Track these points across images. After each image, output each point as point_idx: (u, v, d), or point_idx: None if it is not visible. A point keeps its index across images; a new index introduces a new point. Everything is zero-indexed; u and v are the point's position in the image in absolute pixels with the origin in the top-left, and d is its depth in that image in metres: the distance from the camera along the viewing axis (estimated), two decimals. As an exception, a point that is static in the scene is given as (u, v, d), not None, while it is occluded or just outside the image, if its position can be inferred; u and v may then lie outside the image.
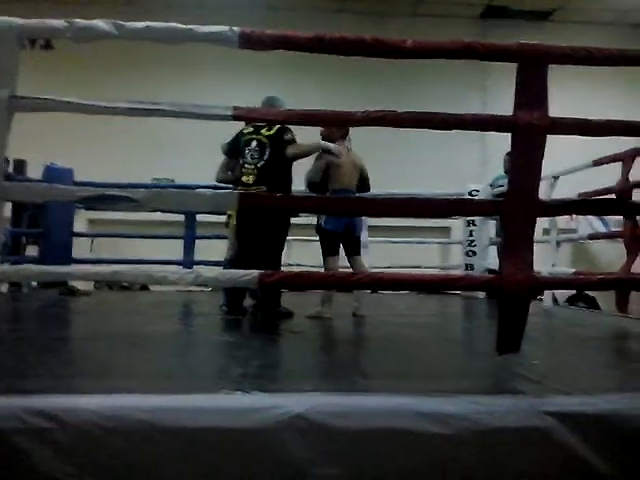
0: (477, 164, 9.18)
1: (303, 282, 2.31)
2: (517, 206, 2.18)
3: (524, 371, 2.27)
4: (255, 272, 2.06)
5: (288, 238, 4.41)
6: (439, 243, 8.62)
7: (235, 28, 2.04)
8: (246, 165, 4.07)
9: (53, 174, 6.18)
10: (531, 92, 2.19)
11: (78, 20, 2.08)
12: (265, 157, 4.03)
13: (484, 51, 2.22)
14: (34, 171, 6.61)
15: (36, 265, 2.67)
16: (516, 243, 2.19)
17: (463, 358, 2.96)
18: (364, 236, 6.69)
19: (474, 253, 6.66)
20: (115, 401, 1.69)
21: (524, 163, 2.18)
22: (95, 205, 2.15)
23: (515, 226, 2.20)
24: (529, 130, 2.14)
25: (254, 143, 4.08)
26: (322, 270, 4.26)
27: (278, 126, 3.99)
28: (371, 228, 6.83)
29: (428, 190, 6.23)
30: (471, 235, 6.72)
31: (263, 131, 4.07)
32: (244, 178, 4.05)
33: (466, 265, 6.74)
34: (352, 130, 4.37)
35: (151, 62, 9.00)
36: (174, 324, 4.11)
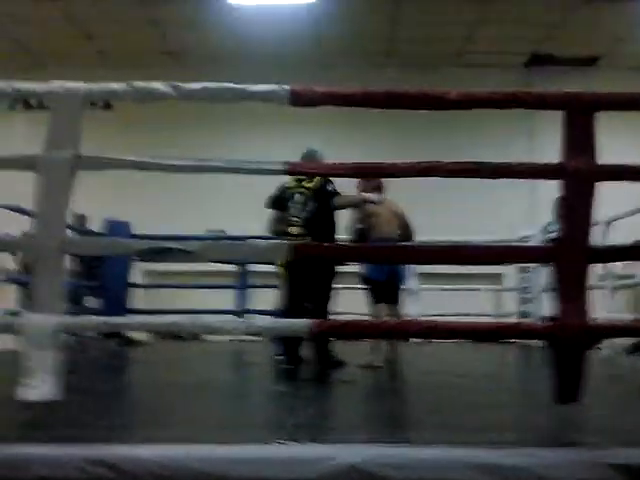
0: (525, 210, 9.05)
1: (353, 331, 2.31)
2: (569, 252, 2.15)
3: (583, 422, 2.20)
4: (306, 321, 2.09)
5: (337, 286, 4.46)
6: (492, 290, 8.47)
7: (286, 86, 2.13)
8: (291, 217, 4.17)
9: (112, 227, 6.44)
10: (579, 139, 2.19)
11: (137, 83, 2.21)
12: (308, 209, 4.13)
13: (530, 100, 2.25)
14: (93, 224, 6.89)
15: (96, 317, 2.76)
16: (570, 289, 2.15)
17: (519, 408, 2.89)
18: (414, 284, 6.67)
19: (528, 300, 6.52)
20: (172, 451, 1.72)
21: (574, 210, 2.16)
22: (152, 258, 2.22)
23: (568, 272, 2.17)
24: (578, 177, 2.13)
25: (297, 196, 4.18)
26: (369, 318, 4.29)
27: (319, 178, 4.10)
28: (422, 275, 6.80)
29: (475, 237, 6.16)
30: (525, 282, 6.60)
31: (305, 183, 4.17)
32: (290, 229, 4.14)
33: (520, 313, 6.60)
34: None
35: (204, 118, 9.33)
36: (228, 373, 4.15)
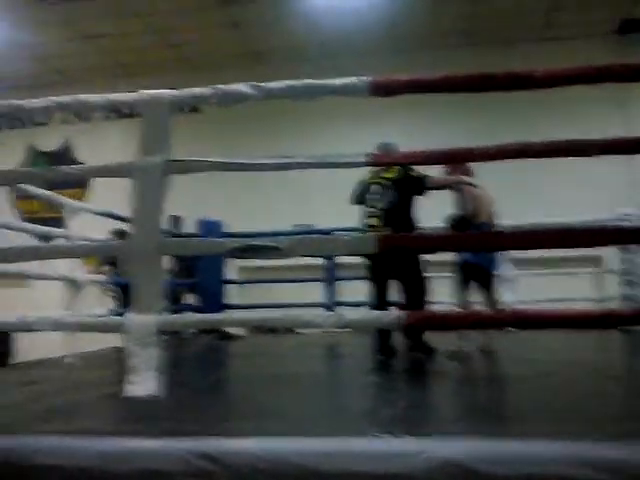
0: (624, 186, 8.56)
1: (448, 322, 2.28)
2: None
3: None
4: (399, 313, 2.07)
5: (428, 275, 4.40)
6: (591, 274, 8.08)
7: (365, 78, 2.11)
8: (371, 209, 4.14)
9: (204, 227, 6.66)
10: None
11: (221, 86, 2.27)
12: (387, 200, 4.08)
13: (623, 72, 2.12)
14: (186, 225, 7.17)
15: (195, 314, 2.87)
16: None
17: (628, 398, 2.74)
18: (508, 270, 6.47)
19: (631, 283, 6.17)
20: (272, 444, 1.75)
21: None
22: (244, 255, 2.27)
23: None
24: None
25: (375, 187, 4.15)
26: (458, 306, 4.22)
27: (398, 168, 4.04)
28: (516, 262, 6.59)
29: (571, 218, 5.83)
30: (627, 264, 6.25)
31: (383, 174, 4.12)
32: (370, 221, 4.12)
33: (623, 296, 6.26)
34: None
35: (289, 114, 9.45)
36: (322, 365, 4.19)
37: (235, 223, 6.72)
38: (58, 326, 3.14)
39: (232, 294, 7.79)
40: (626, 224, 5.93)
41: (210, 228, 6.60)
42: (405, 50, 9.56)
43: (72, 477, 1.72)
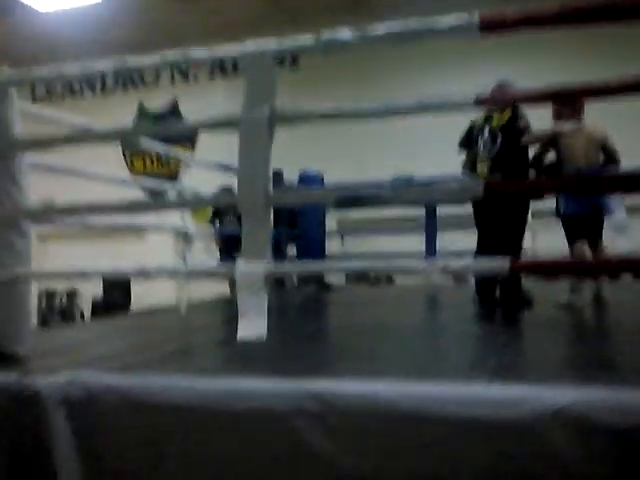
0: None
1: (559, 269, 2.19)
2: None
3: None
4: (506, 259, 2.02)
5: (532, 223, 4.25)
6: None
7: (474, 15, 2.02)
8: (480, 155, 4.01)
9: (306, 179, 6.72)
10: None
11: (322, 34, 2.24)
12: (497, 146, 3.92)
13: None
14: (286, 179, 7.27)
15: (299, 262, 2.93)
16: None
17: None
18: (621, 217, 6.10)
19: None
20: (377, 386, 1.78)
21: None
22: (348, 206, 2.29)
23: None
24: None
25: (486, 132, 4.00)
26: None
27: (510, 114, 3.88)
28: (630, 209, 6.19)
29: None
30: None
31: (495, 119, 3.96)
32: (478, 167, 3.99)
33: None
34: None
35: (389, 64, 9.24)
36: (424, 315, 4.20)
37: (333, 176, 6.73)
38: (175, 274, 3.33)
39: (333, 247, 7.91)
40: None
41: (311, 181, 6.66)
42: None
43: (190, 415, 1.84)
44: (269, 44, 2.27)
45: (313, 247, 6.67)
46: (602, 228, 4.24)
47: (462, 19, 2.00)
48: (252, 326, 2.12)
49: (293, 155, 8.15)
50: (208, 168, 5.50)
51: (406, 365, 2.23)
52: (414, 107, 2.23)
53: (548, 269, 2.16)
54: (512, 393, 1.70)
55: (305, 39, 2.27)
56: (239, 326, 2.18)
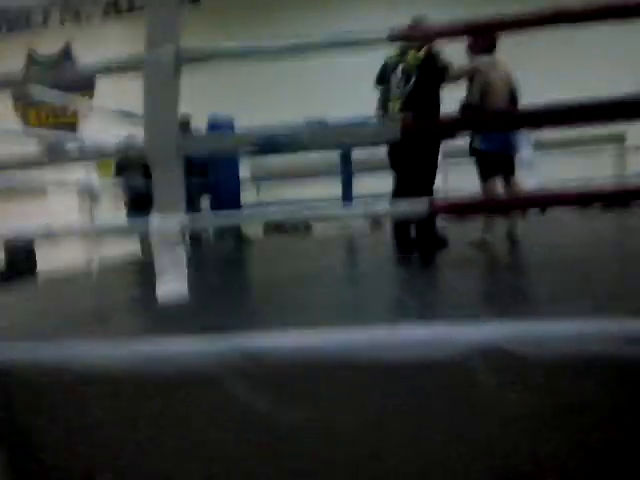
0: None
1: (476, 207, 2.21)
2: None
3: None
4: (424, 200, 2.00)
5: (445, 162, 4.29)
6: (614, 154, 7.89)
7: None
8: (392, 92, 3.95)
9: (216, 125, 6.40)
10: None
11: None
12: (411, 83, 3.87)
13: None
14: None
15: (216, 212, 2.82)
16: None
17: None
18: (528, 154, 6.32)
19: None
20: (307, 337, 1.74)
21: None
22: (264, 151, 2.18)
23: None
24: None
25: (400, 69, 3.93)
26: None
27: (425, 51, 3.82)
28: (537, 145, 6.43)
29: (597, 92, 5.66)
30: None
31: (410, 56, 3.89)
32: (390, 105, 3.94)
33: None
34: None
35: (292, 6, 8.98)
36: (345, 261, 4.19)
37: (242, 119, 6.49)
38: (83, 233, 3.13)
39: (246, 195, 7.74)
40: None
41: (221, 126, 6.37)
42: None
43: (113, 381, 1.74)
44: (170, -22, 2.09)
45: (228, 197, 6.46)
46: (514, 165, 4.34)
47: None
48: (171, 285, 2.01)
49: (198, 99, 7.83)
50: (110, 117, 5.18)
51: (331, 313, 2.20)
52: (324, 44, 2.13)
53: (466, 208, 2.17)
54: (437, 333, 1.70)
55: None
56: (158, 286, 2.07)
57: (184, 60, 2.06)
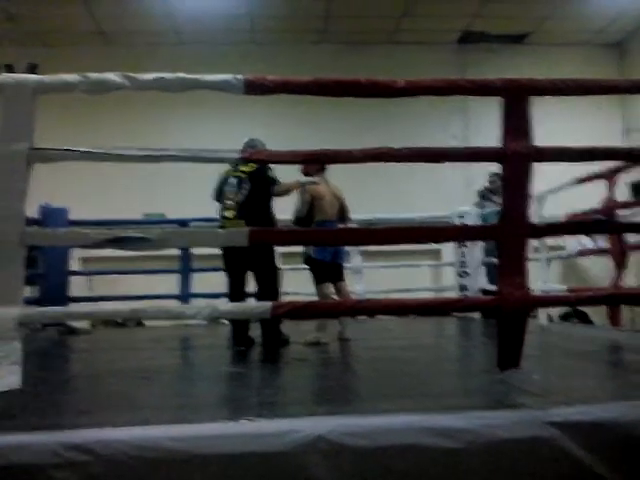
0: (461, 186, 9.34)
1: (313, 311, 2.42)
2: (510, 230, 2.32)
3: (525, 385, 2.39)
4: (268, 303, 2.18)
5: (282, 267, 4.56)
6: (432, 266, 8.79)
7: (239, 76, 2.19)
8: (227, 201, 4.20)
9: (48, 214, 6.20)
10: (516, 123, 2.35)
11: (91, 74, 2.21)
12: (244, 192, 4.15)
13: (471, 87, 2.39)
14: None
15: (55, 307, 2.76)
16: (511, 264, 2.33)
17: (463, 376, 3.08)
18: (358, 262, 6.86)
19: (466, 274, 6.80)
20: (145, 432, 1.78)
21: (514, 190, 2.33)
22: (112, 247, 2.24)
23: (510, 249, 2.34)
24: (517, 159, 2.30)
25: (233, 180, 4.21)
26: (315, 298, 4.43)
27: (256, 165, 4.11)
28: (364, 254, 6.99)
29: (421, 213, 6.74)
30: (462, 257, 6.87)
31: (242, 167, 4.17)
32: (225, 213, 4.17)
33: (459, 286, 6.87)
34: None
35: (153, 106, 9.06)
36: (180, 358, 4.18)
37: (79, 211, 6.37)
38: None
39: (78, 287, 7.41)
40: (462, 221, 6.54)
41: (54, 215, 6.17)
42: (264, 43, 9.65)
43: None
44: (28, 79, 2.18)
45: (54, 288, 6.18)
46: (343, 271, 4.74)
47: (229, 78, 2.15)
48: (4, 376, 1.95)
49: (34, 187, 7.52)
50: None
51: (168, 409, 2.23)
52: (180, 156, 2.29)
53: (305, 311, 2.37)
54: (273, 426, 1.83)
55: (70, 77, 2.22)
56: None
57: (36, 159, 2.11)
